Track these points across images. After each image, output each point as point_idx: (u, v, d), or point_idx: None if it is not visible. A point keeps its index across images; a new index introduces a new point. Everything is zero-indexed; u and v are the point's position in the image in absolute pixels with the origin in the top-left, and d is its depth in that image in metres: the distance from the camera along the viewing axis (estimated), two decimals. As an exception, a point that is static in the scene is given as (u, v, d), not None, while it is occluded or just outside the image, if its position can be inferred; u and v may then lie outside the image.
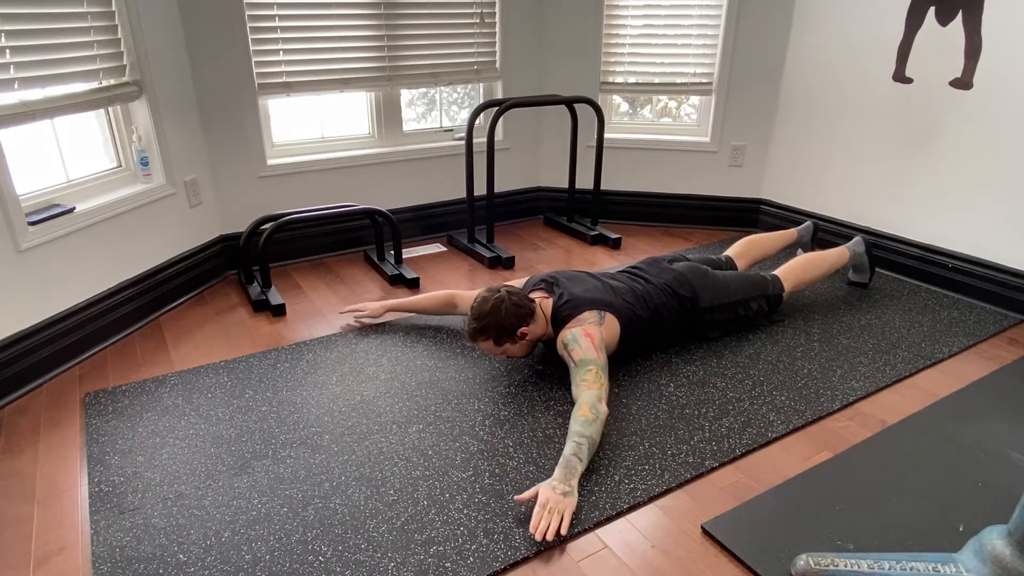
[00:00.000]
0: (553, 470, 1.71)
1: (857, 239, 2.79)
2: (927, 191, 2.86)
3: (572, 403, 2.01)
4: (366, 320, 2.57)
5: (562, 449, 1.79)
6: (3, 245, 2.01)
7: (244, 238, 2.78)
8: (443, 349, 2.36)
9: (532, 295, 2.20)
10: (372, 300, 2.76)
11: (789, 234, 2.89)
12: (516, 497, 1.58)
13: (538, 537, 1.47)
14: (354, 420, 1.95)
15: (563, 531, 1.50)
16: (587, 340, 1.96)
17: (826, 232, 3.29)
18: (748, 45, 3.28)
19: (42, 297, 2.15)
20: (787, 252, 3.15)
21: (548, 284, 2.22)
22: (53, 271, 2.18)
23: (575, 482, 1.60)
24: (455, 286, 2.91)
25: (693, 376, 2.18)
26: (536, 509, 1.53)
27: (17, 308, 2.07)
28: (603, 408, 1.77)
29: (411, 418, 1.95)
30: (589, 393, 1.80)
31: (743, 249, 2.72)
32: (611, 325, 2.08)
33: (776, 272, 2.52)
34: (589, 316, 2.05)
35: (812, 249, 2.97)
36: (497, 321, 2.01)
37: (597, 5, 3.36)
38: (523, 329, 2.05)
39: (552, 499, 1.54)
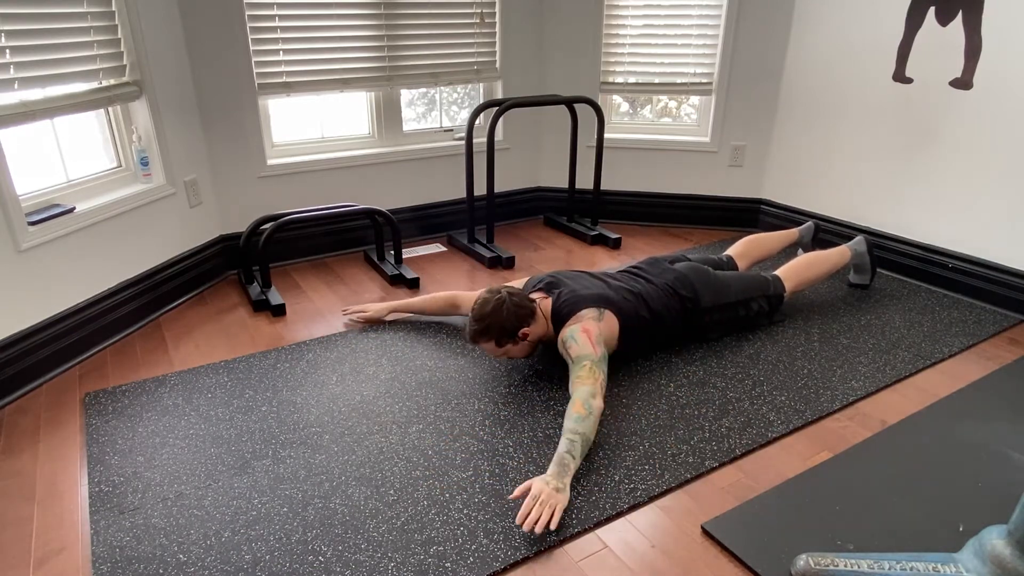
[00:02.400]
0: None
1: (859, 238, 2.78)
2: (927, 191, 2.86)
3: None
4: (368, 319, 2.57)
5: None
6: (3, 245, 2.01)
7: (244, 238, 2.78)
8: (443, 349, 2.36)
9: (532, 296, 2.21)
10: (373, 301, 2.76)
11: (790, 234, 2.89)
12: (510, 497, 1.57)
13: (526, 528, 1.46)
14: (354, 420, 1.95)
15: (553, 525, 1.49)
16: (584, 336, 1.96)
17: (826, 232, 3.29)
18: (748, 45, 3.28)
19: (42, 297, 2.15)
20: (788, 252, 3.15)
21: (548, 285, 2.23)
22: (53, 271, 2.18)
23: (568, 480, 1.59)
24: (455, 286, 2.91)
25: (693, 376, 2.18)
26: (527, 500, 1.51)
27: (17, 308, 2.07)
28: (597, 403, 1.77)
29: (411, 418, 1.95)
30: (583, 389, 1.81)
31: (744, 249, 2.72)
32: (610, 321, 2.08)
33: (777, 272, 2.52)
34: (588, 313, 2.05)
35: (813, 249, 2.97)
36: (498, 322, 2.01)
37: (597, 5, 3.36)
38: (524, 330, 2.05)
39: (545, 492, 1.53)
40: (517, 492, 1.55)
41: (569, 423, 1.71)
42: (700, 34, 3.33)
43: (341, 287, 2.91)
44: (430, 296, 2.52)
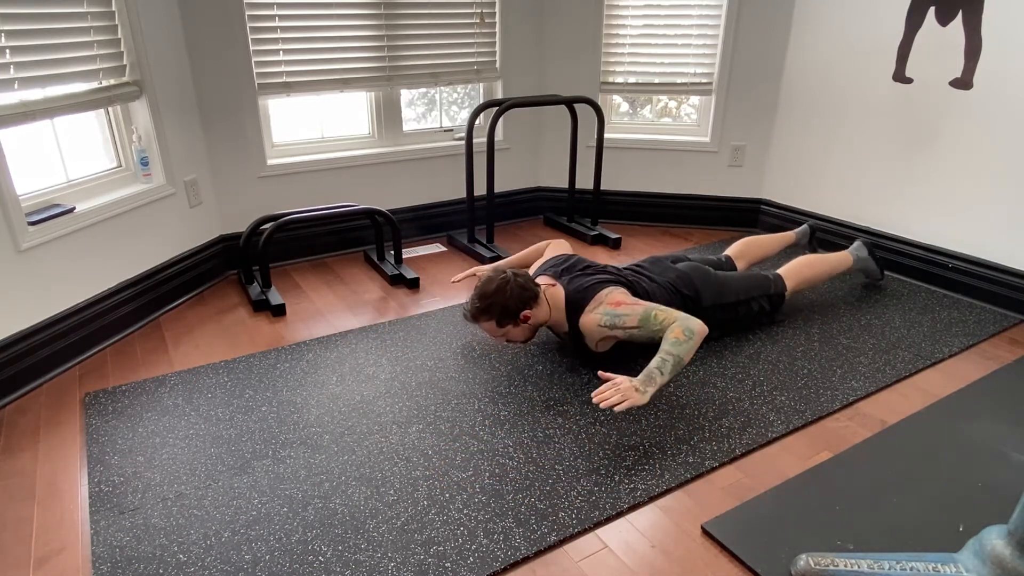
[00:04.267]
0: (553, 469, 1.72)
1: (857, 243, 2.79)
2: (927, 191, 2.86)
3: (573, 404, 2.01)
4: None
5: (562, 450, 1.80)
6: (3, 245, 2.01)
7: (244, 238, 2.78)
8: (443, 349, 2.36)
9: (539, 280, 2.20)
10: (373, 301, 2.77)
11: (787, 236, 2.90)
12: (600, 372, 1.60)
13: (596, 400, 1.52)
14: (354, 420, 1.95)
15: (618, 409, 1.54)
16: (624, 306, 1.98)
17: (826, 232, 3.29)
18: (748, 45, 3.28)
19: (42, 297, 2.15)
20: (786, 254, 3.15)
21: (557, 272, 2.22)
22: (53, 271, 2.18)
23: (651, 390, 1.65)
24: (455, 285, 2.91)
25: (693, 376, 2.18)
26: (607, 384, 1.56)
27: (17, 308, 2.07)
28: (699, 327, 1.79)
29: (411, 418, 1.96)
30: (679, 321, 1.82)
31: (742, 250, 2.73)
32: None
33: (778, 271, 2.52)
34: (605, 290, 2.06)
35: (812, 251, 2.98)
36: (501, 302, 2.01)
37: (597, 5, 3.36)
38: (526, 312, 2.04)
39: (626, 384, 1.59)
40: (604, 374, 1.59)
41: (665, 345, 1.74)
42: (700, 34, 3.33)
43: (341, 287, 2.91)
44: (525, 253, 2.59)
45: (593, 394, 1.57)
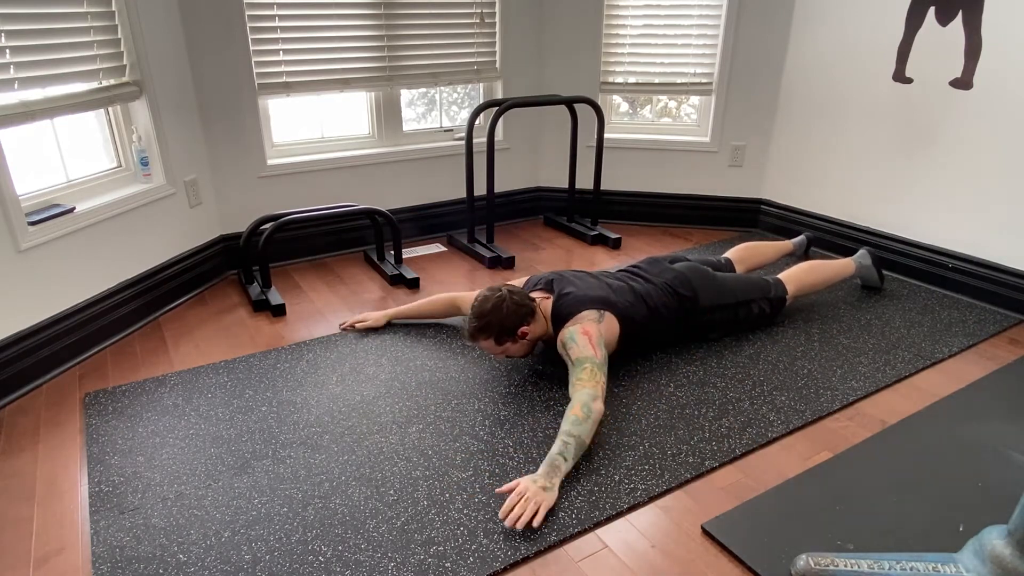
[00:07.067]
0: (553, 470, 1.72)
1: (862, 252, 2.79)
2: (927, 191, 2.86)
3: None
4: (367, 327, 2.54)
5: (562, 449, 1.80)
6: (3, 245, 2.01)
7: (244, 238, 2.78)
8: (443, 349, 2.36)
9: (532, 295, 2.21)
10: (373, 301, 2.76)
11: (785, 245, 2.93)
12: (497, 491, 1.59)
13: (508, 523, 1.49)
14: (354, 420, 1.95)
15: (536, 523, 1.50)
16: (584, 338, 1.96)
17: (827, 232, 3.29)
18: (748, 45, 3.28)
19: (42, 297, 2.15)
20: (784, 263, 3.15)
21: (548, 284, 2.23)
22: (53, 271, 2.18)
23: (557, 480, 1.61)
24: (455, 286, 2.91)
25: (693, 376, 2.18)
26: (512, 496, 1.54)
27: (17, 308, 2.07)
28: (597, 407, 1.76)
29: (411, 418, 1.95)
30: (584, 392, 1.80)
31: (742, 255, 2.73)
32: (611, 324, 2.08)
33: (779, 276, 2.53)
34: (588, 314, 2.05)
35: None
36: (498, 320, 2.01)
37: (597, 5, 3.36)
38: (524, 328, 2.05)
39: (531, 490, 1.55)
40: (504, 488, 1.57)
41: (566, 425, 1.71)
42: (700, 34, 3.33)
43: (341, 287, 2.91)
44: (428, 299, 2.50)
45: (500, 514, 1.50)
